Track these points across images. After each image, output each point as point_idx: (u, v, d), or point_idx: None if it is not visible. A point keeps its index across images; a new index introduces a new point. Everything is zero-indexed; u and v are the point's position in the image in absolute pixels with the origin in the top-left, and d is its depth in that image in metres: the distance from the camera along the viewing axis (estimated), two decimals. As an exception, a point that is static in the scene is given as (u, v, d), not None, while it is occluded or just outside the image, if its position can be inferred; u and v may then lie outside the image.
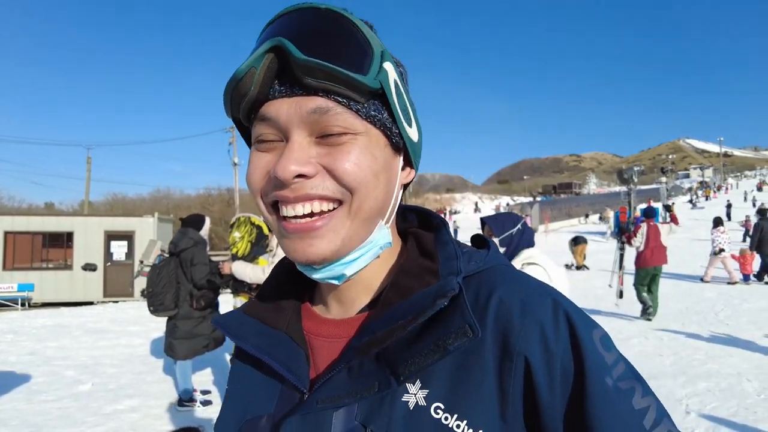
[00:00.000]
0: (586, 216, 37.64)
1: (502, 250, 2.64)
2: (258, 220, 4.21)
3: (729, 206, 33.70)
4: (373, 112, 0.51)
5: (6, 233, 14.79)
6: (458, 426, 0.47)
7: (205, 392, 4.99)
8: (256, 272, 3.90)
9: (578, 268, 14.51)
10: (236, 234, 4.17)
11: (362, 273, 0.56)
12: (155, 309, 4.52)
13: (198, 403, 4.68)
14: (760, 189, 59.66)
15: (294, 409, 0.54)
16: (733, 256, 11.21)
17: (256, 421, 0.58)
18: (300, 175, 0.49)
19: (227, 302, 5.60)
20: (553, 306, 0.50)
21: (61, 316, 10.67)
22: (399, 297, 0.53)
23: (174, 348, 4.54)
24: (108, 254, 15.12)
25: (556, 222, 34.57)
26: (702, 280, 11.33)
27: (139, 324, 9.04)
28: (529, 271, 2.41)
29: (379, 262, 0.58)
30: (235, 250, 4.15)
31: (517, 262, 2.55)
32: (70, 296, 14.47)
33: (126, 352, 7.04)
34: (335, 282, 0.56)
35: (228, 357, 6.16)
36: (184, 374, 4.66)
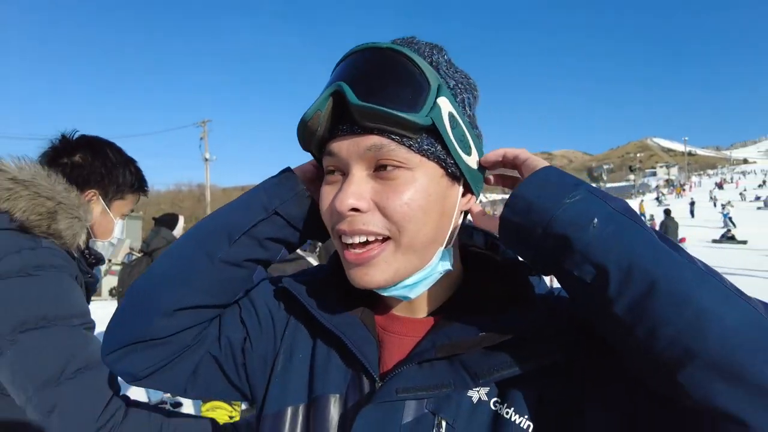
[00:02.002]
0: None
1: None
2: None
3: (692, 204, 35.02)
4: (426, 146, 0.55)
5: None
6: (507, 413, 0.55)
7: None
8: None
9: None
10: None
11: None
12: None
13: (168, 406, 4.57)
14: (720, 187, 62.07)
15: (370, 396, 0.59)
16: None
17: (327, 398, 0.62)
18: (355, 209, 0.55)
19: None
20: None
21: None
22: (474, 310, 0.60)
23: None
24: (74, 252, 14.62)
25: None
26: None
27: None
28: None
29: (445, 275, 0.63)
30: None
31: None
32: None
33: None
34: (402, 299, 0.62)
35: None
36: (155, 376, 4.54)
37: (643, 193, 66.97)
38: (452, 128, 0.56)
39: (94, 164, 1.27)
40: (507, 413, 0.55)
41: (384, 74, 0.54)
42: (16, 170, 1.11)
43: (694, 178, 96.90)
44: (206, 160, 33.65)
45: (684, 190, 59.45)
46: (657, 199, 48.44)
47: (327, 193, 0.60)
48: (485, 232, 0.72)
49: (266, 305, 0.71)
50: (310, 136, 0.59)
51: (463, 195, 0.62)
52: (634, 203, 39.12)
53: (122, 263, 4.72)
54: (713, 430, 0.42)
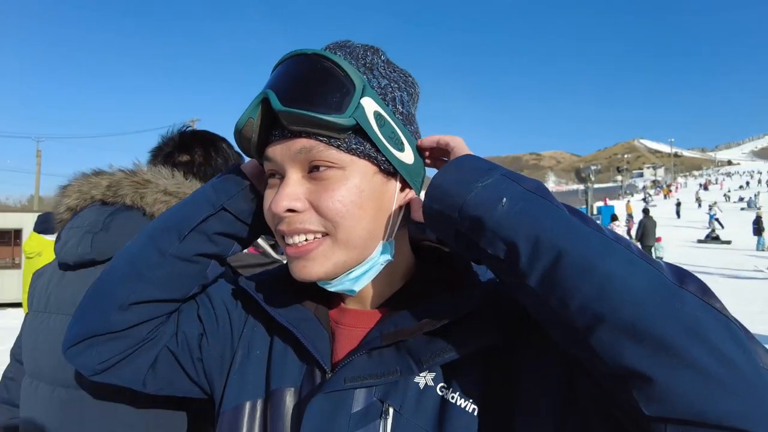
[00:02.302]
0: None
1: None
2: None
3: (678, 204, 35.48)
4: (354, 146, 0.57)
5: (-54, 230, 13.89)
6: (452, 397, 0.57)
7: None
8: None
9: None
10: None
11: (377, 275, 0.64)
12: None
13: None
14: (705, 188, 62.94)
15: (320, 386, 0.62)
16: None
17: (282, 392, 0.64)
18: (291, 210, 0.58)
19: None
20: None
21: (8, 318, 10.12)
22: (421, 298, 0.62)
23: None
24: (59, 252, 14.41)
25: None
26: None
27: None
28: None
29: (393, 267, 0.66)
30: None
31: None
32: (17, 297, 13.76)
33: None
34: (349, 294, 0.65)
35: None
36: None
37: (631, 194, 67.64)
38: (380, 126, 0.58)
39: (217, 161, 1.27)
40: (453, 398, 0.57)
41: (308, 79, 0.56)
42: (167, 181, 1.06)
43: (680, 179, 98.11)
44: (195, 159, 33.29)
45: (671, 191, 60.08)
46: (644, 199, 48.99)
47: (268, 196, 0.62)
48: None
49: (223, 303, 0.74)
50: (246, 142, 0.61)
51: (402, 189, 0.63)
52: (621, 204, 39.50)
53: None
54: (626, 392, 0.43)
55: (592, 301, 0.44)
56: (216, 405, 0.70)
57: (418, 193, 0.65)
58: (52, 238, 4.48)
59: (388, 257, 0.63)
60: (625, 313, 0.42)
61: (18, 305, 12.87)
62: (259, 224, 0.69)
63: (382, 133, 0.58)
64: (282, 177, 0.60)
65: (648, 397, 0.41)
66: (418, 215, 0.63)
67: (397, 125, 0.60)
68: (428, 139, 0.65)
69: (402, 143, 0.61)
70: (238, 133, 0.60)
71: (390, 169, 0.60)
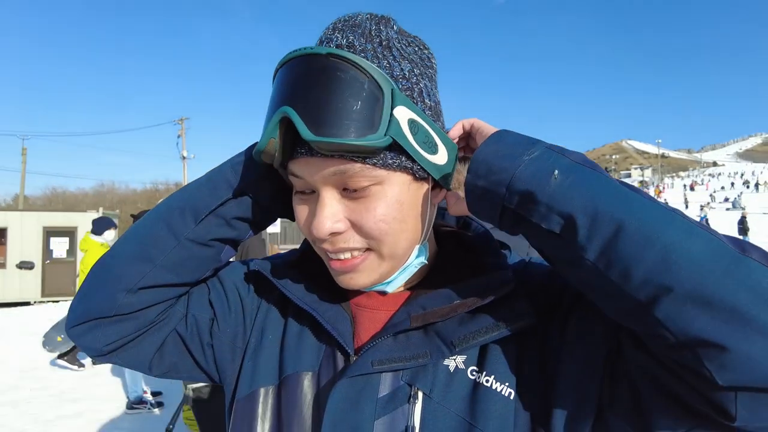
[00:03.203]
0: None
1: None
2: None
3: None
4: (390, 161, 0.54)
5: (-71, 229, 13.61)
6: (487, 381, 0.56)
7: (155, 393, 4.81)
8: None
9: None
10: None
11: None
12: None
13: (148, 406, 4.52)
14: (692, 188, 63.79)
15: (343, 370, 0.60)
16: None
17: (299, 376, 0.62)
18: (333, 233, 0.55)
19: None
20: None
21: (-5, 318, 9.97)
22: (448, 280, 0.61)
23: (123, 349, 4.35)
24: (47, 251, 14.18)
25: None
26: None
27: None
28: None
29: None
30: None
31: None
32: (2, 296, 13.53)
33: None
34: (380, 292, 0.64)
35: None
36: (134, 376, 4.48)
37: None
38: (414, 134, 0.54)
39: None
40: (487, 381, 0.55)
41: (332, 95, 0.51)
42: None
43: (667, 180, 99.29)
44: (184, 158, 33.07)
45: (661, 191, 60.55)
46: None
47: (301, 210, 0.59)
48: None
49: (236, 288, 0.71)
50: (269, 159, 0.57)
51: (434, 188, 0.61)
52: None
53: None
54: (695, 362, 0.42)
55: (657, 272, 0.43)
56: (228, 394, 0.68)
57: (449, 188, 0.62)
58: (96, 238, 5.20)
59: (423, 260, 0.63)
60: (692, 282, 0.41)
61: (5, 305, 12.66)
62: (276, 209, 0.67)
63: (416, 141, 0.54)
64: (311, 192, 0.57)
65: (722, 366, 0.41)
66: (456, 209, 0.62)
67: (429, 126, 0.56)
68: (454, 129, 0.63)
69: (436, 145, 0.57)
70: (260, 153, 0.56)
71: (425, 174, 0.58)
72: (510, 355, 0.57)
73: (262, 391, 0.63)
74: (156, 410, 4.50)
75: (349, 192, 0.55)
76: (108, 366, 5.90)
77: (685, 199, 44.23)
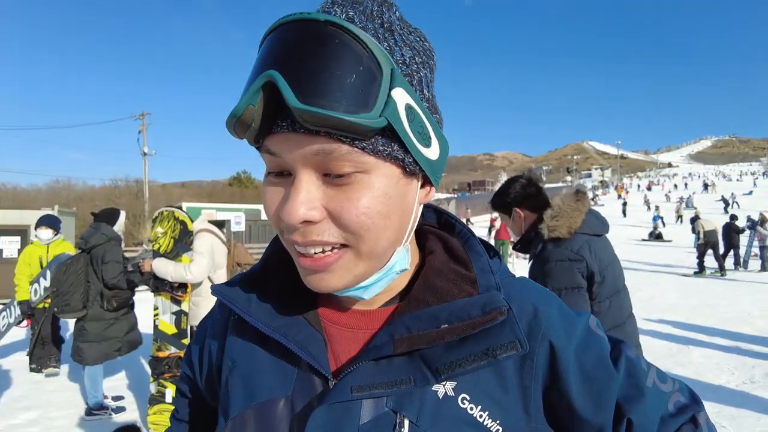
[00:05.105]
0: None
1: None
2: (182, 215, 3.92)
3: (625, 204, 37.26)
4: (381, 147, 0.48)
5: None
6: (480, 416, 0.52)
7: (117, 398, 4.63)
8: (179, 270, 3.66)
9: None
10: (159, 229, 3.86)
11: None
12: (60, 310, 4.12)
13: (110, 411, 4.34)
14: (649, 188, 66.39)
15: (323, 396, 0.54)
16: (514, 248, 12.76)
17: (271, 404, 0.56)
18: (306, 221, 0.49)
19: (144, 300, 5.23)
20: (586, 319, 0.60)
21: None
22: (435, 298, 0.56)
23: (82, 352, 4.16)
24: (-4, 251, 13.47)
25: (479, 216, 36.67)
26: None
27: (36, 328, 8.15)
28: None
29: None
30: (156, 246, 3.85)
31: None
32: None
33: (20, 360, 6.31)
34: (356, 299, 0.58)
35: (142, 358, 5.77)
36: (94, 381, 4.28)
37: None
38: (410, 122, 0.48)
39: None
40: (480, 416, 0.52)
41: (326, 63, 0.44)
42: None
43: (626, 180, 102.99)
44: (145, 154, 32.07)
45: (627, 192, 62.23)
46: (593, 199, 51.08)
47: (272, 194, 0.52)
48: (436, 209, 0.67)
49: (198, 347, 0.71)
50: (242, 129, 0.49)
51: (422, 186, 0.56)
52: (571, 203, 40.91)
53: (60, 262, 4.46)
54: None
55: None
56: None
57: (438, 188, 0.58)
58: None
59: (405, 265, 0.57)
60: None
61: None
62: None
63: (411, 130, 0.49)
64: (287, 174, 0.51)
65: None
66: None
67: (425, 117, 0.51)
68: None
69: (429, 138, 0.51)
70: (235, 119, 0.48)
71: (415, 169, 0.52)
72: (501, 383, 0.54)
73: (230, 424, 0.58)
74: (117, 415, 4.33)
75: (330, 177, 0.48)
76: (63, 371, 5.64)
77: (646, 200, 45.59)
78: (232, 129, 0.49)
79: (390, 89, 0.46)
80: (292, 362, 0.58)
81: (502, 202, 2.35)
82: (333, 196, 0.48)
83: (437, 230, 0.65)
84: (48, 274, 5.18)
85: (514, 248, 2.41)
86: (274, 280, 0.62)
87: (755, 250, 13.95)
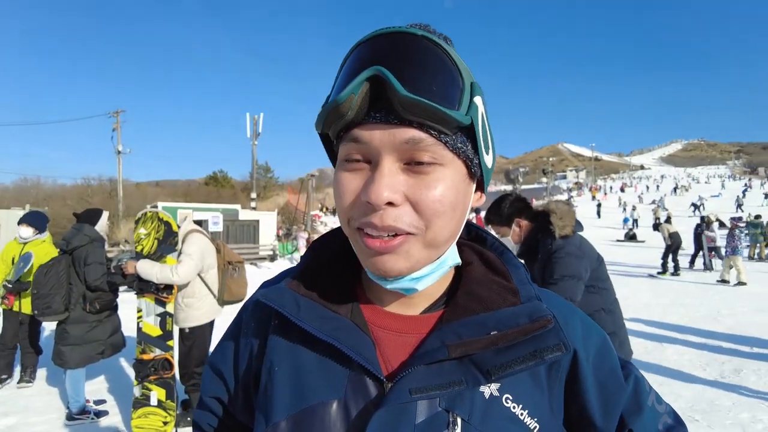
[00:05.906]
0: (476, 211, 40.47)
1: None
2: (166, 215, 3.88)
3: (599, 205, 38.03)
4: (459, 145, 0.54)
5: None
6: (521, 414, 0.57)
7: (99, 402, 4.54)
8: (164, 272, 3.61)
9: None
10: (142, 230, 3.80)
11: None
12: (41, 313, 4.02)
13: (92, 415, 4.26)
14: (622, 190, 67.93)
15: (379, 398, 0.57)
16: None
17: (323, 407, 0.58)
18: (389, 203, 0.52)
19: (127, 302, 5.15)
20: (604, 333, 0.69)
21: None
22: (481, 307, 0.60)
23: (63, 356, 4.08)
24: (-37, 252, 12.98)
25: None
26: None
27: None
28: None
29: None
30: (140, 248, 3.79)
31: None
32: None
33: (-5, 363, 6.14)
34: (404, 293, 0.60)
35: (124, 361, 5.67)
36: (75, 384, 4.20)
37: (555, 195, 71.57)
38: (482, 127, 0.56)
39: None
40: (521, 414, 0.57)
41: (424, 66, 0.51)
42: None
43: (600, 182, 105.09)
44: (119, 152, 31.37)
45: (606, 193, 63.17)
46: (568, 200, 51.81)
47: (348, 180, 0.55)
48: (467, 222, 0.70)
49: (232, 354, 0.72)
50: (336, 118, 0.53)
51: (475, 191, 0.61)
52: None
53: (41, 264, 4.37)
54: None
55: None
56: None
57: (486, 194, 0.64)
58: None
59: (457, 259, 0.63)
60: None
61: None
62: None
63: (482, 135, 0.56)
64: (369, 162, 0.54)
65: None
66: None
67: (489, 127, 0.59)
68: None
69: (490, 146, 0.59)
70: (335, 106, 0.52)
71: (477, 171, 0.58)
72: (534, 384, 0.60)
73: (282, 424, 0.59)
74: (100, 420, 4.25)
75: (411, 166, 0.53)
76: (42, 375, 5.49)
77: (622, 202, 46.43)
78: (325, 116, 0.54)
79: (472, 96, 0.54)
80: (342, 365, 0.59)
81: (502, 217, 2.81)
82: (413, 184, 0.53)
83: (470, 243, 0.70)
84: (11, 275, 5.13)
85: (520, 257, 2.71)
86: (318, 285, 0.65)
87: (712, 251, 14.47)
